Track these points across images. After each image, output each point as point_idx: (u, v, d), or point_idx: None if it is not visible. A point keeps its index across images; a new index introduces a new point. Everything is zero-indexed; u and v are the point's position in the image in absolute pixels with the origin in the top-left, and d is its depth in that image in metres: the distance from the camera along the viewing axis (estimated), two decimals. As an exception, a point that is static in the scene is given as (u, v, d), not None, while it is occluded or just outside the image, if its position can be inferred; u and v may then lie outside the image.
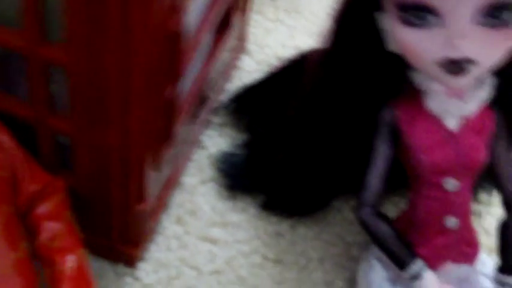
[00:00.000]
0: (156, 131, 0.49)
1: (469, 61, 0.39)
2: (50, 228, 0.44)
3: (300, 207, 0.56)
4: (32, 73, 0.44)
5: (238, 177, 0.58)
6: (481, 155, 0.44)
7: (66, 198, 0.46)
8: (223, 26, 0.59)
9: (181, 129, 0.55)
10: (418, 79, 0.43)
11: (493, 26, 0.40)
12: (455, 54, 0.39)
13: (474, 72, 0.40)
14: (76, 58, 0.41)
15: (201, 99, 0.61)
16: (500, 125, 0.45)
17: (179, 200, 0.58)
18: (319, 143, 0.52)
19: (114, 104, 0.43)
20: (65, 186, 0.46)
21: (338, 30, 0.46)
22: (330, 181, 0.53)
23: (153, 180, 0.52)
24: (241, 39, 0.66)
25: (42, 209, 0.44)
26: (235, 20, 0.63)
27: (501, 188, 0.45)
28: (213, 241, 0.56)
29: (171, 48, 0.46)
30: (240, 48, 0.67)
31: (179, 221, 0.57)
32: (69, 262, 0.43)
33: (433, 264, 0.46)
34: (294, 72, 0.56)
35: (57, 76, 0.44)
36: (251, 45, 0.69)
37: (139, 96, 0.44)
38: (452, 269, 0.46)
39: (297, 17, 0.70)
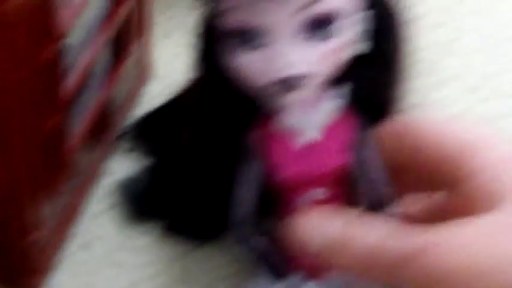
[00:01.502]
0: (46, 162, 0.50)
1: (299, 77, 0.40)
2: None
3: (202, 228, 0.57)
4: None
5: (142, 202, 0.59)
6: (342, 162, 0.45)
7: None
8: (121, 52, 0.60)
9: (81, 157, 0.56)
10: (266, 102, 0.44)
11: (314, 41, 0.41)
12: (285, 73, 0.40)
13: (308, 86, 0.41)
14: None
15: (105, 125, 0.62)
16: (362, 129, 0.46)
17: (85, 227, 0.59)
18: (208, 169, 0.53)
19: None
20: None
21: (198, 59, 0.47)
22: (225, 206, 0.54)
23: (50, 208, 0.53)
24: (147, 64, 0.68)
25: None
26: (137, 45, 0.64)
27: (370, 191, 0.46)
28: (118, 265, 0.57)
29: (50, 78, 0.47)
30: (146, 73, 0.68)
31: (84, 247, 0.58)
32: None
33: (313, 274, 0.47)
34: (191, 97, 0.57)
35: None
36: (159, 70, 0.70)
37: (19, 131, 0.45)
38: (333, 277, 0.47)
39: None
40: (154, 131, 0.62)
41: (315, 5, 0.40)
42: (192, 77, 0.51)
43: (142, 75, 0.68)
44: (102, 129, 0.61)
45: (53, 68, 0.46)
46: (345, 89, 0.46)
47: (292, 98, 0.43)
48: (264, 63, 0.41)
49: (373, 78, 0.47)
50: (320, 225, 0.44)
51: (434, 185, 0.43)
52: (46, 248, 0.54)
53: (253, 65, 0.42)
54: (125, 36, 0.61)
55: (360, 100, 0.46)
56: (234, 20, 0.41)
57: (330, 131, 0.45)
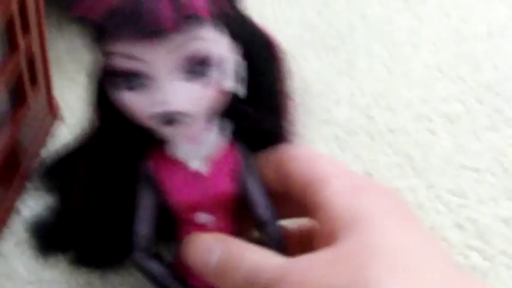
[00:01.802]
0: None
1: (177, 113, 0.44)
2: None
3: (103, 259, 0.61)
4: None
5: (49, 237, 0.63)
6: (226, 190, 0.49)
7: None
8: (18, 98, 0.64)
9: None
10: (158, 132, 0.48)
11: (192, 80, 0.45)
12: (162, 109, 0.44)
13: (188, 121, 0.45)
14: None
15: (14, 166, 0.65)
16: (245, 158, 0.50)
17: (-5, 265, 0.62)
18: (106, 202, 0.56)
19: None
20: None
21: (91, 102, 0.51)
22: (125, 235, 0.57)
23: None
24: (52, 107, 0.71)
25: None
26: (40, 90, 0.67)
27: (254, 214, 0.50)
28: (28, 299, 0.60)
29: None
30: (53, 115, 0.72)
31: (-5, 285, 0.61)
32: None
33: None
34: (89, 142, 0.61)
35: None
36: (65, 111, 0.73)
37: None
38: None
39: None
40: (59, 171, 0.66)
41: (190, 45, 0.44)
42: (89, 116, 0.54)
43: (49, 117, 0.71)
44: (12, 169, 0.65)
45: None
46: (227, 124, 0.50)
47: (174, 132, 0.47)
48: (145, 99, 0.45)
49: (252, 114, 0.51)
50: (203, 252, 0.48)
51: (303, 212, 0.47)
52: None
53: (136, 102, 0.45)
54: (25, 81, 0.64)
55: (243, 133, 0.51)
56: (117, 61, 0.45)
57: (215, 161, 0.49)
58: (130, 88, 0.45)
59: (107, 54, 0.46)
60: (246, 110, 0.51)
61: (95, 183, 0.57)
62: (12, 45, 0.62)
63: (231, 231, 0.51)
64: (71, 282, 0.61)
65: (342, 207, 0.43)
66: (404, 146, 0.72)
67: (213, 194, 0.49)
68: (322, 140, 0.72)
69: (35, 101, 0.67)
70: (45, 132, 0.71)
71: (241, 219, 0.52)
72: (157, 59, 0.44)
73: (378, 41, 0.83)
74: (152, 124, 0.46)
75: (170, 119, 0.45)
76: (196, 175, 0.49)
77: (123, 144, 0.52)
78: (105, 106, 0.50)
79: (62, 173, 0.66)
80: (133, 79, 0.45)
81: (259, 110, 0.52)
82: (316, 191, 0.45)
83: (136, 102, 0.45)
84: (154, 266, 0.52)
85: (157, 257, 0.53)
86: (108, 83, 0.47)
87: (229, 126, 0.50)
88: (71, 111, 0.73)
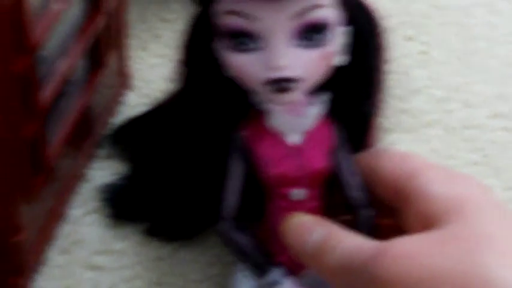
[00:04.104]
0: (25, 167, 0.51)
1: (290, 80, 0.43)
2: None
3: (180, 231, 0.59)
4: None
5: (122, 206, 0.61)
6: (322, 166, 0.47)
7: None
8: (97, 63, 0.62)
9: (61, 162, 0.58)
10: (258, 101, 0.47)
11: (307, 47, 0.43)
12: (277, 74, 0.43)
13: (298, 89, 0.44)
14: None
15: (85, 133, 0.64)
16: (340, 136, 0.48)
17: (64, 231, 0.60)
18: (189, 170, 0.55)
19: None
20: None
21: (185, 63, 0.49)
22: (205, 206, 0.56)
23: (32, 213, 0.54)
24: (124, 75, 0.70)
25: None
26: (115, 56, 0.66)
27: (347, 195, 0.49)
28: (97, 269, 0.58)
29: (25, 88, 0.48)
30: (124, 84, 0.70)
31: (65, 251, 0.59)
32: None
33: (293, 270, 0.49)
34: (173, 106, 0.59)
35: None
36: (136, 81, 0.72)
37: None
38: (311, 274, 0.49)
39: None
40: (133, 138, 0.64)
41: (310, 12, 0.43)
42: (174, 83, 0.53)
43: (120, 85, 0.69)
44: (82, 136, 0.63)
45: (27, 77, 0.48)
46: (327, 97, 0.48)
47: (281, 100, 0.45)
48: (257, 64, 0.44)
49: (352, 88, 0.50)
50: (302, 232, 0.47)
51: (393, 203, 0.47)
52: (28, 251, 0.55)
53: (248, 66, 0.44)
54: (102, 46, 0.63)
55: (340, 108, 0.49)
56: (231, 22, 0.44)
57: (312, 135, 0.48)
58: (243, 50, 0.44)
59: (220, 12, 0.45)
60: (348, 83, 0.49)
61: (175, 151, 0.56)
62: (93, 8, 0.60)
63: (321, 210, 0.49)
64: (141, 255, 0.59)
65: (440, 193, 0.43)
66: (480, 143, 0.70)
67: (308, 170, 0.48)
68: (398, 130, 0.70)
69: (109, 68, 0.66)
70: (115, 100, 0.69)
71: (330, 198, 0.51)
72: (275, 22, 0.43)
73: (455, 34, 0.81)
74: (261, 90, 0.45)
75: (281, 86, 0.44)
76: (293, 149, 0.48)
77: (217, 109, 0.50)
78: (199, 69, 0.49)
79: (134, 141, 0.64)
80: (246, 41, 0.44)
81: (357, 85, 0.50)
82: (410, 179, 0.45)
83: (248, 66, 0.44)
84: (241, 238, 0.50)
85: (244, 229, 0.51)
86: (218, 43, 0.46)
87: (328, 100, 0.48)
88: (142, 80, 0.72)
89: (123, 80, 0.70)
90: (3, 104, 0.45)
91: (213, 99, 0.50)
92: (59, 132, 0.56)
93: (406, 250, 0.41)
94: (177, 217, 0.59)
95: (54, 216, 0.59)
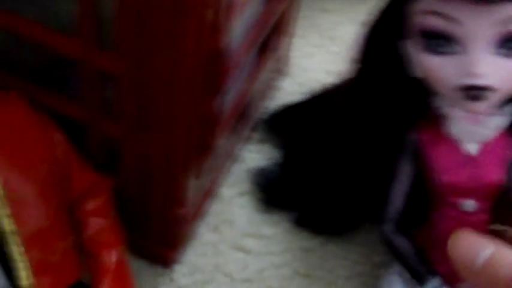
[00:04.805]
0: (198, 142, 0.52)
1: (486, 88, 0.42)
2: (96, 224, 0.47)
3: (331, 225, 0.59)
4: (85, 78, 0.47)
5: (273, 192, 0.61)
6: (498, 179, 0.46)
7: (112, 197, 0.49)
8: (265, 48, 0.62)
9: (221, 142, 0.59)
10: (439, 104, 0.46)
11: (505, 56, 0.43)
12: (474, 82, 0.42)
13: (492, 98, 0.43)
14: (125, 67, 0.44)
15: (241, 116, 0.64)
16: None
17: (216, 210, 0.61)
18: (349, 166, 0.54)
19: (159, 112, 0.46)
20: (111, 186, 0.50)
21: (363, 58, 0.49)
22: (360, 203, 0.55)
23: (193, 188, 0.55)
24: (283, 61, 0.70)
25: (90, 205, 0.47)
26: (278, 42, 0.66)
27: None
28: (246, 251, 0.59)
29: (214, 65, 0.49)
30: (282, 70, 0.70)
31: (215, 229, 0.60)
32: (112, 256, 0.47)
33: (450, 282, 0.48)
34: (333, 97, 0.59)
35: (111, 82, 0.47)
36: (293, 68, 0.72)
37: (183, 107, 0.47)
38: (467, 287, 0.48)
39: (341, 44, 0.73)
40: (289, 126, 0.64)
41: None
42: (334, 75, 0.52)
43: (278, 71, 0.70)
44: (238, 118, 0.64)
45: (215, 59, 0.48)
46: (510, 110, 0.47)
47: (471, 108, 0.45)
48: (452, 68, 0.43)
49: None
50: (472, 251, 0.46)
51: None
52: (183, 225, 0.56)
53: (441, 69, 0.43)
54: (272, 33, 0.63)
55: None
56: (431, 22, 0.43)
57: (488, 146, 0.47)
58: (437, 52, 0.43)
59: (419, 11, 0.44)
60: None
61: (334, 144, 0.55)
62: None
63: (488, 223, 0.48)
64: (292, 244, 0.59)
65: None
66: None
67: (483, 181, 0.47)
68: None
69: (272, 54, 0.66)
70: (271, 85, 0.69)
71: (501, 213, 0.49)
72: (478, 27, 0.42)
73: None
74: (450, 95, 0.44)
75: (475, 94, 0.43)
76: (468, 158, 0.47)
77: (391, 111, 0.49)
78: (379, 65, 0.48)
79: (290, 128, 0.64)
80: (443, 43, 0.43)
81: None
82: None
83: (441, 69, 0.43)
84: (402, 242, 0.49)
85: (405, 233, 0.50)
86: (409, 42, 0.45)
87: (509, 112, 0.47)
88: (298, 67, 0.72)
89: (282, 66, 0.70)
90: (193, 81, 0.46)
91: (390, 98, 0.49)
92: (226, 112, 0.57)
93: None
94: (328, 211, 0.59)
95: (209, 194, 0.60)
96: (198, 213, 0.59)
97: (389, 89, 0.49)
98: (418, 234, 0.51)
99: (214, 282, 0.57)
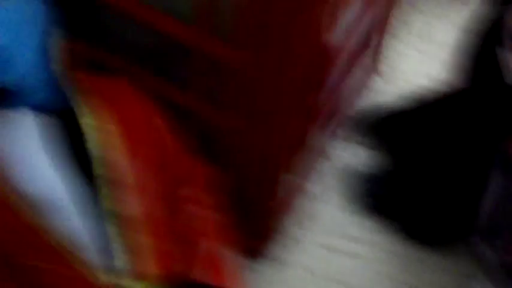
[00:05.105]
0: (294, 137, 0.52)
1: None
2: (192, 211, 0.47)
3: (434, 236, 0.58)
4: (197, 66, 0.47)
5: (359, 192, 0.61)
6: None
7: (209, 185, 0.49)
8: (362, 46, 0.62)
9: (314, 139, 0.58)
10: None
11: None
12: None
13: None
14: (240, 57, 0.44)
15: (332, 113, 0.64)
16: None
17: (303, 206, 0.61)
18: (450, 175, 0.53)
19: (266, 104, 0.46)
20: (210, 175, 0.50)
21: (467, 66, 0.48)
22: (461, 215, 0.54)
23: (283, 182, 0.55)
24: (376, 60, 0.69)
25: (187, 192, 0.47)
26: (377, 42, 0.65)
27: None
28: (330, 249, 0.58)
29: (319, 61, 0.48)
30: (374, 68, 0.69)
31: (301, 225, 0.60)
32: (221, 248, 0.46)
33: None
34: (434, 107, 0.58)
35: (216, 72, 0.47)
36: (384, 67, 0.71)
37: (288, 100, 0.47)
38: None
39: (430, 44, 0.72)
40: (393, 130, 0.63)
41: None
42: (433, 80, 0.51)
43: (372, 70, 0.69)
44: (329, 115, 0.63)
45: (325, 53, 0.48)
46: None
47: None
48: None
49: None
50: None
51: None
52: (272, 219, 0.56)
53: None
54: (372, 32, 0.62)
55: None
56: None
57: None
58: None
59: None
60: None
61: (436, 153, 0.54)
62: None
63: None
64: (377, 247, 0.59)
65: None
66: None
67: None
68: None
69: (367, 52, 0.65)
70: (364, 84, 0.68)
71: None
72: None
73: None
74: None
75: None
76: None
77: (490, 120, 0.48)
78: (484, 74, 0.47)
79: (391, 132, 0.63)
80: None
81: None
82: None
83: None
84: (490, 256, 0.48)
85: (495, 245, 0.49)
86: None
87: None
88: (391, 68, 0.71)
89: (374, 65, 0.69)
90: (300, 74, 0.46)
91: (490, 107, 0.48)
92: (322, 108, 0.56)
93: None
94: (433, 221, 0.57)
95: (296, 189, 0.60)
96: (286, 208, 0.59)
97: (491, 98, 0.48)
98: (507, 246, 0.50)
99: (297, 277, 0.57)
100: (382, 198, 0.58)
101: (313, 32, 0.43)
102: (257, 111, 0.46)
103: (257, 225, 0.55)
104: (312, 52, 0.45)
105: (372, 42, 0.64)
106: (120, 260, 0.42)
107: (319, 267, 0.57)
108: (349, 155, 0.64)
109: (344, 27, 0.54)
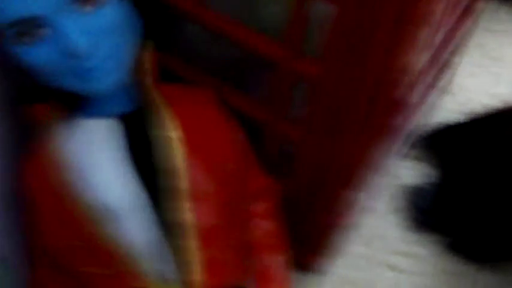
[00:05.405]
0: (364, 153, 0.51)
1: None
2: (263, 226, 0.46)
3: (483, 254, 0.57)
4: (276, 80, 0.46)
5: (425, 213, 0.60)
6: None
7: (280, 202, 0.49)
8: (439, 70, 0.61)
9: (381, 156, 0.58)
10: None
11: None
12: None
13: None
14: (325, 74, 0.43)
15: (399, 131, 0.63)
16: None
17: (369, 224, 0.60)
18: (504, 194, 0.52)
19: (344, 121, 0.46)
20: (281, 190, 0.49)
21: None
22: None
23: (342, 198, 0.54)
24: (448, 79, 0.68)
25: (259, 207, 0.47)
26: (452, 61, 0.64)
27: None
28: (396, 268, 0.58)
29: (398, 81, 0.48)
30: (445, 88, 0.68)
31: (366, 243, 0.59)
32: (275, 261, 0.46)
33: None
34: (497, 123, 0.57)
35: (294, 86, 0.47)
36: (454, 86, 0.70)
37: (364, 118, 0.46)
38: None
39: (503, 65, 0.70)
40: (447, 146, 0.63)
41: None
42: (498, 98, 0.50)
43: (442, 89, 0.68)
44: (400, 133, 0.62)
45: (402, 75, 0.47)
46: None
47: None
48: None
49: None
50: None
51: None
52: (336, 236, 0.55)
53: None
54: (449, 55, 0.61)
55: None
56: None
57: None
58: None
59: None
60: None
61: (491, 170, 0.53)
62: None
63: None
64: (439, 266, 0.58)
65: None
66: None
67: None
68: None
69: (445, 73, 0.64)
70: (433, 104, 0.67)
71: None
72: None
73: None
74: None
75: None
76: None
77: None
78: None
79: (448, 149, 0.63)
80: None
81: None
82: None
83: None
84: None
85: None
86: None
87: None
88: (459, 86, 0.70)
89: (445, 84, 0.68)
90: (378, 93, 0.45)
91: None
92: (392, 128, 0.56)
93: None
94: (483, 238, 0.57)
95: (362, 207, 0.59)
96: (351, 225, 0.58)
97: None
98: None
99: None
100: (434, 213, 0.58)
101: (396, 53, 0.43)
102: (335, 127, 0.46)
103: (322, 241, 0.54)
104: (398, 76, 0.44)
105: (450, 61, 0.63)
106: (196, 274, 0.42)
107: (384, 286, 0.56)
108: (417, 174, 0.63)
109: (430, 55, 0.53)
